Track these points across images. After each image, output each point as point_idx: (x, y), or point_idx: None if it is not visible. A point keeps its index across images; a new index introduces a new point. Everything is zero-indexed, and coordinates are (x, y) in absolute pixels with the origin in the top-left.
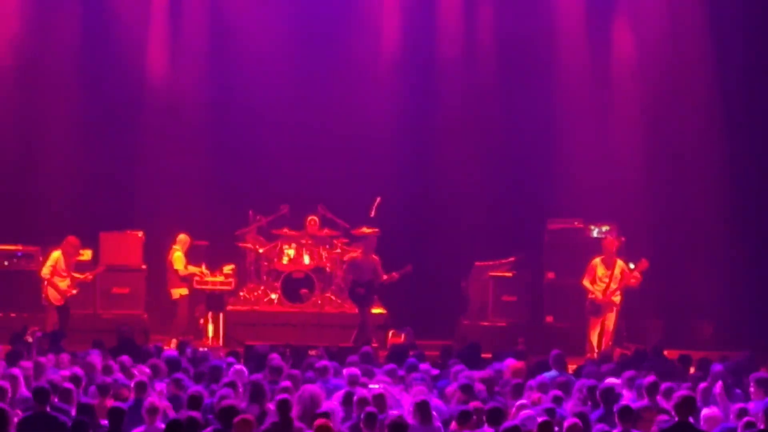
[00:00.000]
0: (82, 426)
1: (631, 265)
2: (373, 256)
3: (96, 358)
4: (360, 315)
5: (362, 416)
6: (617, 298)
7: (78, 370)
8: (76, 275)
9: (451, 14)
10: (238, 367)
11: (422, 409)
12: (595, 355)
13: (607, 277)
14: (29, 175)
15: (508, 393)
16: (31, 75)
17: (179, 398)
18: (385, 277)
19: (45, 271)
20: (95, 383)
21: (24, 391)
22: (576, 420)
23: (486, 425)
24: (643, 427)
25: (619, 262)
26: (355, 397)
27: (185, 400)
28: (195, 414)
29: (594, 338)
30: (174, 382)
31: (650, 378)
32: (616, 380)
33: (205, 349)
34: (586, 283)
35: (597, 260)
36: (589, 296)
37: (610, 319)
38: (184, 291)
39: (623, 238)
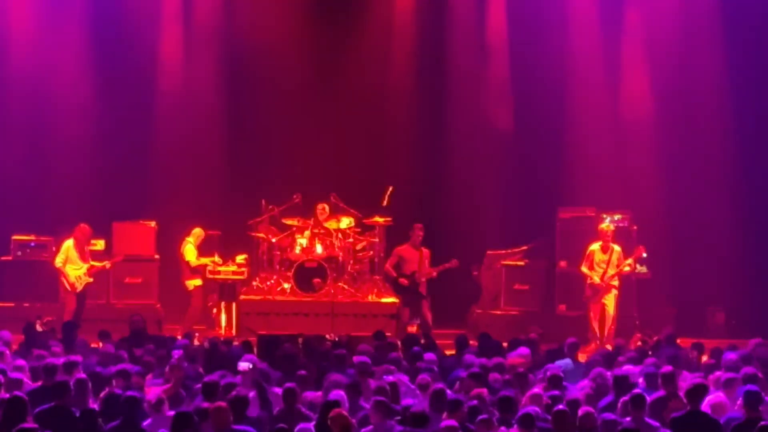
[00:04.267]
0: (90, 416)
1: (644, 255)
2: (424, 249)
3: None
4: (400, 307)
5: (372, 404)
6: (615, 283)
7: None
8: (95, 263)
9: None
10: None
11: (438, 397)
12: (599, 341)
13: (604, 263)
14: (43, 165)
15: (514, 382)
16: (44, 65)
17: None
18: (426, 272)
19: (58, 261)
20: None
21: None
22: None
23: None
24: (658, 416)
25: (616, 248)
26: (370, 386)
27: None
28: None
29: (595, 325)
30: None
31: (666, 367)
32: (633, 368)
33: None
34: (584, 269)
35: (594, 246)
36: (588, 281)
37: (610, 304)
38: (198, 282)
39: (635, 227)
